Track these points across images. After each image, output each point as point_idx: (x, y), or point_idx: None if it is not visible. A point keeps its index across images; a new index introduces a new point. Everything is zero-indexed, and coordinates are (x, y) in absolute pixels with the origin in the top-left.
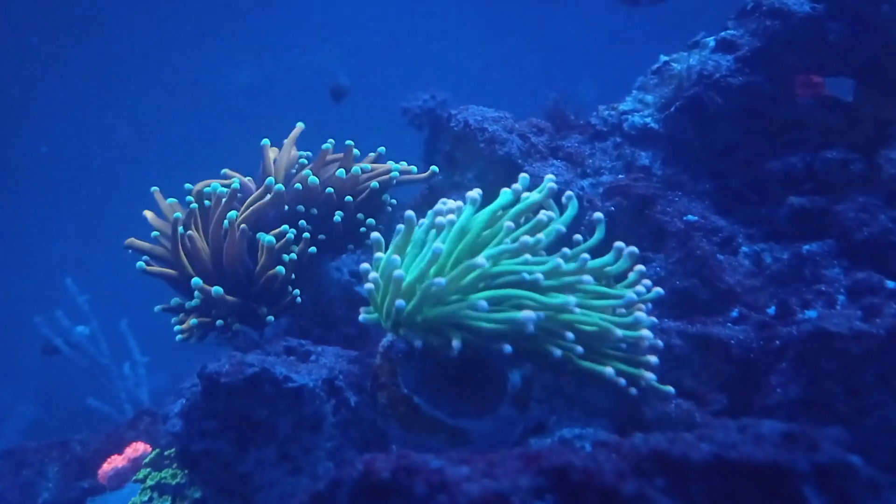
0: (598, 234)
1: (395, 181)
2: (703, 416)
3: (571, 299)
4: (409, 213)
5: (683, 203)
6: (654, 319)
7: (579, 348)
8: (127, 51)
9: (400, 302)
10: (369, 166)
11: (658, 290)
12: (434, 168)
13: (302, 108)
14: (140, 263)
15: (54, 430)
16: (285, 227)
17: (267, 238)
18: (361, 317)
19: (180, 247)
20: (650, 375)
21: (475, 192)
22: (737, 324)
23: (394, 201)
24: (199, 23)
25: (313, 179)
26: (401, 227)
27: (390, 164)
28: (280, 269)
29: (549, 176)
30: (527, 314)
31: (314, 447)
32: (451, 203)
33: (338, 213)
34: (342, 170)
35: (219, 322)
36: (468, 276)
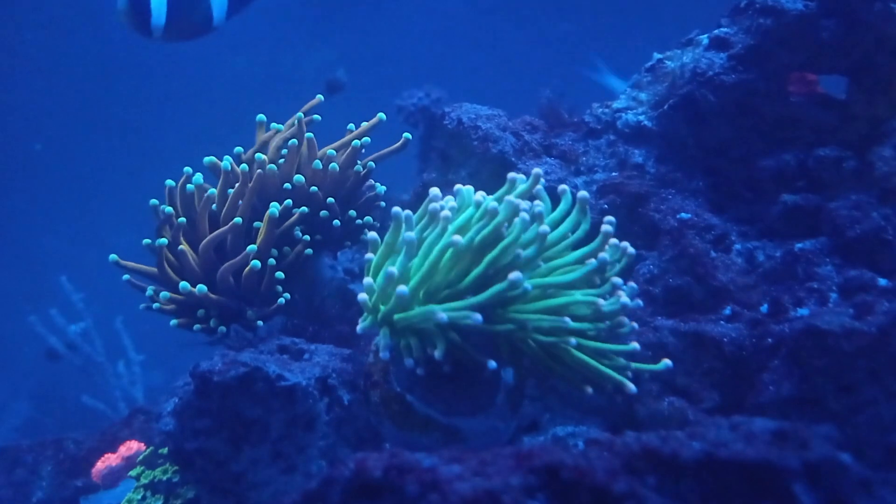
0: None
1: (370, 161)
2: (696, 414)
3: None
4: (396, 208)
5: (677, 201)
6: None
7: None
8: (122, 47)
9: (402, 289)
10: (333, 152)
11: (630, 250)
12: (407, 135)
13: (298, 105)
14: (113, 256)
15: (49, 428)
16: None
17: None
18: (359, 327)
19: (165, 263)
20: (631, 387)
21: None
22: (729, 322)
23: (383, 187)
24: None
25: (299, 178)
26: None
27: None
28: (256, 263)
29: (537, 170)
30: (516, 275)
31: (307, 445)
32: (448, 201)
33: (336, 220)
34: (318, 161)
35: (207, 323)
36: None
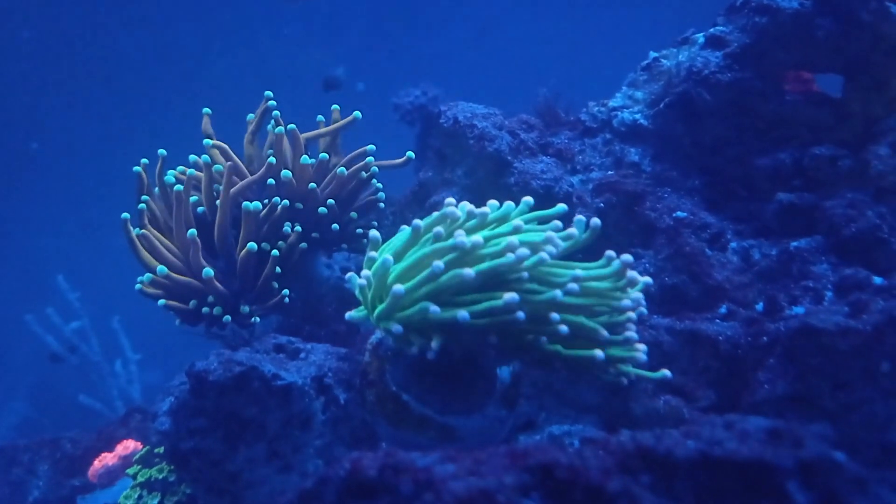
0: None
1: (373, 168)
2: (692, 413)
3: (558, 293)
4: (417, 222)
5: (673, 199)
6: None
7: (564, 328)
8: (118, 46)
9: (398, 288)
10: (326, 155)
11: (647, 279)
12: (410, 154)
13: (293, 102)
14: (125, 214)
15: (46, 427)
16: (257, 204)
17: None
18: (348, 315)
19: (139, 247)
20: (635, 365)
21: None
22: (725, 320)
23: (382, 192)
24: (189, 16)
25: (286, 174)
26: (405, 228)
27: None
28: (252, 245)
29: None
30: (510, 295)
31: (303, 445)
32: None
33: (335, 224)
34: (313, 158)
35: (205, 310)
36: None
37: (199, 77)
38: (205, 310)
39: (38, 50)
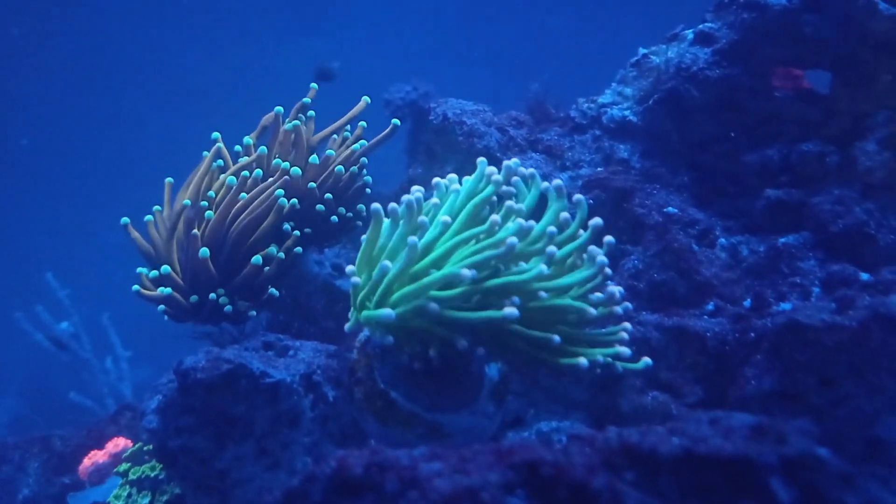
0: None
1: (364, 155)
2: (679, 409)
3: (544, 268)
4: (393, 205)
5: (661, 196)
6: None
7: (556, 338)
8: (109, 42)
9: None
10: (332, 152)
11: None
12: (395, 121)
13: (287, 100)
14: (125, 219)
15: (37, 424)
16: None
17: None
18: (347, 326)
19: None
20: (624, 351)
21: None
22: (713, 316)
23: (369, 177)
24: (182, 13)
25: (295, 171)
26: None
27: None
28: (257, 258)
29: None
30: (510, 310)
31: (292, 442)
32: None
33: (333, 216)
34: (315, 156)
35: (212, 296)
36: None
37: (191, 74)
38: (212, 296)
39: (28, 46)
